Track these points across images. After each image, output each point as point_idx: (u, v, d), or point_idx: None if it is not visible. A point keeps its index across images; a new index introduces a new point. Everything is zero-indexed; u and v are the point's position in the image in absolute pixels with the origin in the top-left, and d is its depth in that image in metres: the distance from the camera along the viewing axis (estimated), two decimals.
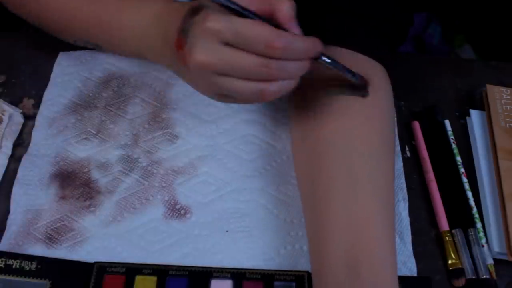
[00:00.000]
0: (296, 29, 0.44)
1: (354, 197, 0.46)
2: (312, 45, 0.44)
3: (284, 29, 0.43)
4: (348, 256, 0.44)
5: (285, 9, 0.44)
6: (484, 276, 0.52)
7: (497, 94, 0.64)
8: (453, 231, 0.55)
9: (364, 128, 0.50)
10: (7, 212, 0.53)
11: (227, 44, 0.43)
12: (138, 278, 0.49)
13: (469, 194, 0.58)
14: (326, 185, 0.48)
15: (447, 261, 0.54)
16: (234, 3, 0.42)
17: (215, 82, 0.45)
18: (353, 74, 0.47)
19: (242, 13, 0.43)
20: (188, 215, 0.54)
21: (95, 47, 0.61)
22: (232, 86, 0.44)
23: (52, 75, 0.63)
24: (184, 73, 0.49)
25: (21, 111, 0.60)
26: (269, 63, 0.42)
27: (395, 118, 0.61)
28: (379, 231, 0.45)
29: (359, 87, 0.48)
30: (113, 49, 0.61)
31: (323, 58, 0.45)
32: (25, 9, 0.60)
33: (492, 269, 0.53)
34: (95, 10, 0.57)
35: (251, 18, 0.43)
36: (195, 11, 0.45)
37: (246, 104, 0.47)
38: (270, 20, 0.44)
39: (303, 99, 0.52)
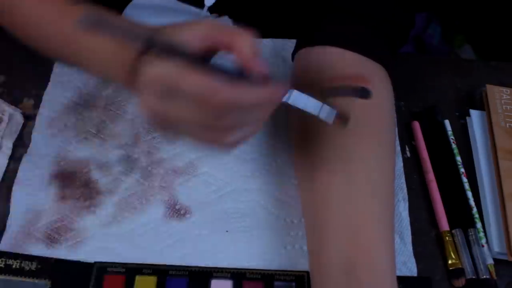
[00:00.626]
0: (261, 68, 0.39)
1: (352, 199, 0.46)
2: (269, 94, 0.39)
3: (244, 72, 0.39)
4: (345, 257, 0.44)
5: (244, 45, 0.39)
6: (484, 276, 0.52)
7: (497, 94, 0.64)
8: (453, 231, 0.55)
9: (363, 130, 0.50)
10: (7, 212, 0.53)
11: (171, 95, 0.38)
12: (138, 278, 0.49)
13: (469, 194, 0.58)
14: (325, 186, 0.48)
15: (447, 261, 0.54)
16: (173, 46, 0.38)
17: (168, 129, 0.41)
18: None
19: (183, 57, 0.38)
20: (188, 215, 0.54)
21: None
22: (185, 135, 0.41)
23: (52, 75, 0.63)
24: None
25: (21, 111, 0.60)
26: (219, 117, 0.38)
27: (395, 119, 0.61)
28: (377, 232, 0.45)
29: (360, 90, 0.48)
30: (79, 68, 0.53)
31: (291, 103, 0.41)
32: (3, 20, 0.56)
33: (492, 269, 0.53)
34: (64, 28, 0.49)
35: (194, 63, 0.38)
36: (144, 50, 0.40)
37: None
38: (228, 52, 0.39)
39: None
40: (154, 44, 0.38)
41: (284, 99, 0.41)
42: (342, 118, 0.43)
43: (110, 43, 0.46)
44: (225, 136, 0.40)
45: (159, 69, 0.38)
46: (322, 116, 0.42)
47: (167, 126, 0.41)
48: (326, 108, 0.42)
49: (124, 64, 0.43)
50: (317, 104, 0.42)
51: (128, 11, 0.61)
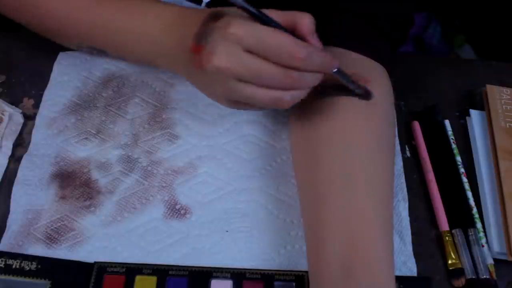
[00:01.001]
0: (317, 43, 0.44)
1: (350, 198, 0.46)
2: (329, 60, 0.44)
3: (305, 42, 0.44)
4: (343, 256, 0.44)
5: (307, 22, 0.44)
6: (484, 276, 0.52)
7: (497, 94, 0.64)
8: (453, 231, 0.55)
9: (362, 130, 0.50)
10: (7, 212, 0.53)
11: (249, 51, 0.43)
12: (138, 278, 0.49)
13: (469, 194, 0.58)
14: (323, 186, 0.48)
15: (447, 261, 0.54)
16: (258, 10, 0.43)
17: (232, 88, 0.45)
18: (359, 86, 0.47)
19: (265, 21, 0.43)
20: (188, 215, 0.54)
21: (100, 53, 0.60)
22: (251, 93, 0.44)
23: (52, 75, 0.63)
24: (198, 78, 0.49)
25: (21, 111, 0.60)
26: (291, 73, 0.43)
27: (395, 119, 0.61)
28: (375, 232, 0.45)
29: (363, 92, 0.48)
30: (120, 55, 0.59)
31: (338, 72, 0.45)
32: (22, 14, 0.59)
33: (492, 269, 0.53)
34: (102, 13, 0.55)
35: (274, 27, 0.43)
36: (214, 17, 0.45)
37: (258, 110, 0.48)
38: (292, 31, 0.44)
39: (303, 100, 0.52)
40: (247, 10, 0.43)
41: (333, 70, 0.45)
42: (369, 93, 0.48)
43: (161, 21, 0.52)
44: (286, 94, 0.44)
45: (246, 27, 0.42)
46: (354, 88, 0.47)
47: (236, 85, 0.44)
48: (358, 84, 0.47)
49: (183, 35, 0.48)
50: (352, 80, 0.47)
51: None
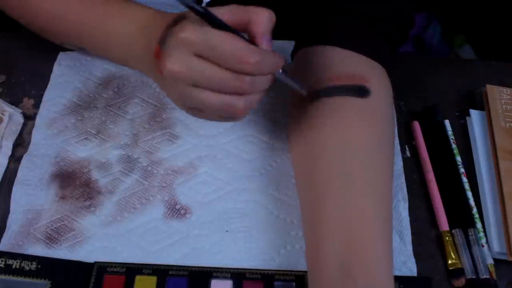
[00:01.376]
0: (268, 44, 0.44)
1: (349, 198, 0.46)
2: (278, 60, 0.44)
3: (255, 42, 0.44)
4: (341, 256, 0.44)
5: (261, 20, 0.44)
6: (484, 276, 0.52)
7: (497, 94, 0.64)
8: (453, 231, 0.55)
9: (362, 129, 0.50)
10: (7, 212, 0.53)
11: (200, 56, 0.42)
12: (138, 278, 0.49)
13: (469, 194, 0.58)
14: (322, 186, 0.48)
15: (447, 261, 0.54)
16: (205, 9, 0.42)
17: (186, 93, 0.44)
18: (302, 86, 0.48)
19: (214, 21, 0.42)
20: (188, 215, 0.54)
21: (82, 50, 0.61)
22: (201, 97, 0.44)
23: (52, 75, 0.63)
24: (161, 82, 0.49)
25: (21, 111, 0.60)
26: (243, 78, 0.43)
27: (395, 118, 0.61)
28: (374, 232, 0.45)
29: (359, 89, 0.48)
30: (98, 53, 0.60)
31: (279, 72, 0.46)
32: (19, 11, 0.60)
33: (492, 269, 0.53)
34: (82, 13, 0.56)
35: (225, 29, 0.42)
36: (176, 21, 0.45)
37: (215, 121, 0.47)
38: (245, 31, 0.44)
39: (302, 99, 0.52)
40: (195, 10, 0.42)
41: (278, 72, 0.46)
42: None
43: (135, 23, 0.52)
44: (240, 100, 0.44)
45: (197, 32, 0.42)
46: (297, 87, 0.48)
47: (190, 90, 0.44)
48: (300, 84, 0.48)
49: (150, 39, 0.48)
50: (292, 79, 0.48)
51: None
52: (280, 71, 0.45)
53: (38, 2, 0.58)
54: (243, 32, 0.44)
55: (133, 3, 0.55)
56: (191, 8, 0.42)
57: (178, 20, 0.45)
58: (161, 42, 0.45)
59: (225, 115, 0.46)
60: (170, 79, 0.44)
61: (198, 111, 0.46)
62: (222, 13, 0.43)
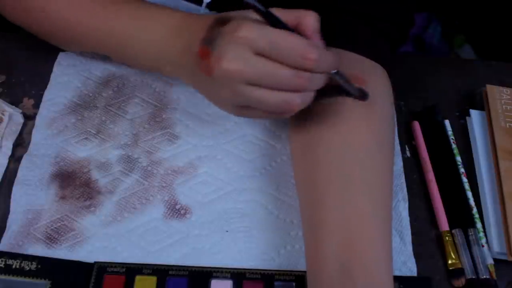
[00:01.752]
0: (320, 42, 0.45)
1: (349, 198, 0.46)
2: (335, 59, 0.45)
3: None
4: (341, 256, 0.44)
5: (311, 21, 0.44)
6: (484, 276, 0.52)
7: (497, 94, 0.64)
8: (453, 231, 0.55)
9: (362, 130, 0.50)
10: (7, 212, 0.53)
11: (259, 54, 0.43)
12: (138, 278, 0.49)
13: (469, 194, 0.58)
14: (321, 186, 0.48)
15: (447, 261, 0.54)
16: (267, 10, 0.43)
17: (241, 92, 0.44)
18: (354, 87, 0.47)
19: (273, 21, 0.43)
20: (188, 215, 0.54)
21: (103, 57, 0.61)
22: (260, 96, 0.44)
23: (52, 75, 0.63)
24: (205, 84, 0.49)
25: (21, 111, 0.60)
26: (303, 74, 0.43)
27: (395, 119, 0.61)
28: (373, 232, 0.45)
29: (358, 91, 0.48)
30: (125, 61, 0.60)
31: (337, 73, 0.46)
32: (29, 19, 0.59)
33: (492, 269, 0.53)
34: (107, 19, 0.55)
35: (283, 28, 0.43)
36: (222, 21, 0.45)
37: (266, 119, 0.47)
38: (296, 30, 0.44)
39: None
40: (258, 10, 0.43)
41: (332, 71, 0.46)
42: (364, 95, 0.48)
43: (167, 28, 0.52)
44: (297, 97, 0.44)
45: (257, 29, 0.43)
46: (350, 89, 0.47)
47: (244, 88, 0.44)
48: (353, 85, 0.47)
49: (190, 42, 0.48)
50: (348, 80, 0.47)
51: None
52: (335, 71, 0.46)
53: (56, 11, 0.56)
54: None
55: (160, 7, 0.54)
56: (255, 8, 0.42)
57: (224, 20, 0.45)
58: (206, 42, 0.45)
59: (278, 112, 0.46)
60: (223, 78, 0.44)
61: (247, 109, 0.46)
62: (276, 14, 0.44)
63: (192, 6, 0.64)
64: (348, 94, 0.47)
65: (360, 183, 0.47)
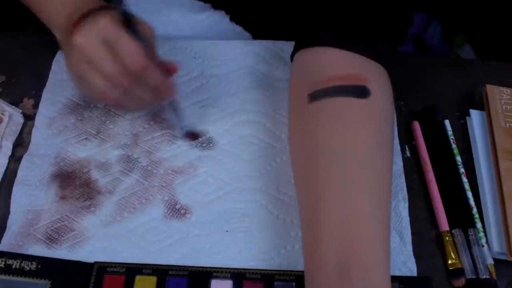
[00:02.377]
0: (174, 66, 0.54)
1: (347, 198, 0.46)
2: (167, 87, 0.54)
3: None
4: (339, 256, 0.44)
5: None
6: (484, 276, 0.52)
7: (497, 94, 0.64)
8: (453, 231, 0.55)
9: (362, 129, 0.50)
10: (7, 212, 0.53)
11: (106, 43, 0.50)
12: (138, 278, 0.49)
13: (469, 194, 0.58)
14: (321, 185, 0.48)
15: (447, 261, 0.54)
16: (127, 13, 0.51)
17: (78, 65, 0.52)
18: (182, 126, 0.56)
19: (131, 24, 0.51)
20: (188, 215, 0.54)
21: None
22: (89, 74, 0.52)
23: (51, 73, 0.63)
24: (64, 47, 0.54)
25: (21, 111, 0.60)
26: (126, 73, 0.51)
27: (395, 118, 0.61)
28: (372, 232, 0.45)
29: (359, 89, 0.48)
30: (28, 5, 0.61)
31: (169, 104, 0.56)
32: None
33: (492, 269, 0.53)
34: None
35: (138, 39, 0.51)
36: (101, 8, 0.52)
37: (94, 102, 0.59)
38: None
39: (302, 100, 0.52)
40: (121, 12, 0.51)
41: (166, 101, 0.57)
42: (193, 136, 0.59)
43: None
44: (113, 90, 0.52)
45: (114, 24, 0.51)
46: (180, 128, 0.58)
47: (83, 65, 0.52)
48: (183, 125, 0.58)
49: (77, 12, 0.53)
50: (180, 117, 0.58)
51: (127, 4, 0.62)
52: (170, 102, 0.55)
53: None
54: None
55: None
56: (118, 9, 0.51)
57: (103, 9, 0.52)
58: (83, 17, 0.52)
59: (97, 97, 0.55)
60: (74, 48, 0.51)
61: (83, 84, 0.54)
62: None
63: (189, 3, 0.64)
64: (345, 94, 0.48)
65: (359, 182, 0.47)
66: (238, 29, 0.71)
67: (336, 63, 0.52)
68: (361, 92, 0.48)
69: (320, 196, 0.47)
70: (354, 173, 0.47)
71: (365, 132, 0.50)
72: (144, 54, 0.51)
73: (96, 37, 0.51)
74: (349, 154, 0.48)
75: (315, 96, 0.51)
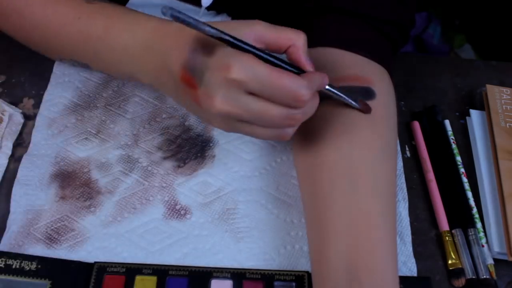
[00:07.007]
0: (311, 65, 0.45)
1: (355, 200, 0.46)
2: (324, 80, 0.45)
3: (299, 66, 0.45)
4: (347, 259, 0.44)
5: (301, 44, 0.44)
6: (484, 276, 0.52)
7: (497, 94, 0.64)
8: (453, 231, 0.55)
9: (366, 132, 0.49)
10: (7, 212, 0.53)
11: (251, 93, 0.42)
12: (138, 278, 0.49)
13: (469, 194, 0.58)
14: (327, 188, 0.48)
15: (447, 261, 0.54)
16: (240, 41, 0.42)
17: (233, 126, 0.45)
18: (355, 100, 0.48)
19: (246, 50, 0.42)
20: (188, 215, 0.54)
21: (84, 67, 0.59)
22: (252, 132, 0.45)
23: (52, 76, 0.63)
24: (190, 106, 0.48)
25: (21, 111, 0.60)
26: (295, 116, 0.44)
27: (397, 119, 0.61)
28: (380, 235, 0.45)
29: (365, 91, 0.48)
30: (103, 70, 0.58)
31: (329, 88, 0.47)
32: (6, 24, 0.57)
33: (492, 269, 0.53)
34: (82, 27, 0.53)
35: (267, 59, 0.43)
36: (203, 46, 0.44)
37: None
38: (280, 52, 0.44)
39: None
40: (223, 39, 0.42)
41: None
42: (366, 107, 0.49)
43: (139, 38, 0.50)
44: (288, 131, 0.45)
45: (245, 71, 0.41)
46: (350, 103, 0.49)
47: (239, 125, 0.45)
48: (353, 99, 0.49)
49: (164, 60, 0.47)
50: (345, 94, 0.48)
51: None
52: (327, 87, 0.46)
53: (31, 14, 0.55)
54: (277, 51, 0.45)
55: (136, 13, 0.52)
56: (221, 39, 0.41)
57: (205, 46, 0.44)
58: (190, 70, 0.44)
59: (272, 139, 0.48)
60: (218, 116, 0.44)
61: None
62: (248, 35, 0.43)
63: (190, 7, 0.64)
64: (353, 95, 0.48)
65: (366, 184, 0.47)
66: None
67: (339, 64, 0.52)
68: (367, 93, 0.47)
69: (327, 199, 0.47)
70: (360, 175, 0.47)
71: (371, 133, 0.50)
72: (296, 78, 0.43)
73: (238, 93, 0.42)
74: (355, 156, 0.48)
75: (320, 98, 0.51)
